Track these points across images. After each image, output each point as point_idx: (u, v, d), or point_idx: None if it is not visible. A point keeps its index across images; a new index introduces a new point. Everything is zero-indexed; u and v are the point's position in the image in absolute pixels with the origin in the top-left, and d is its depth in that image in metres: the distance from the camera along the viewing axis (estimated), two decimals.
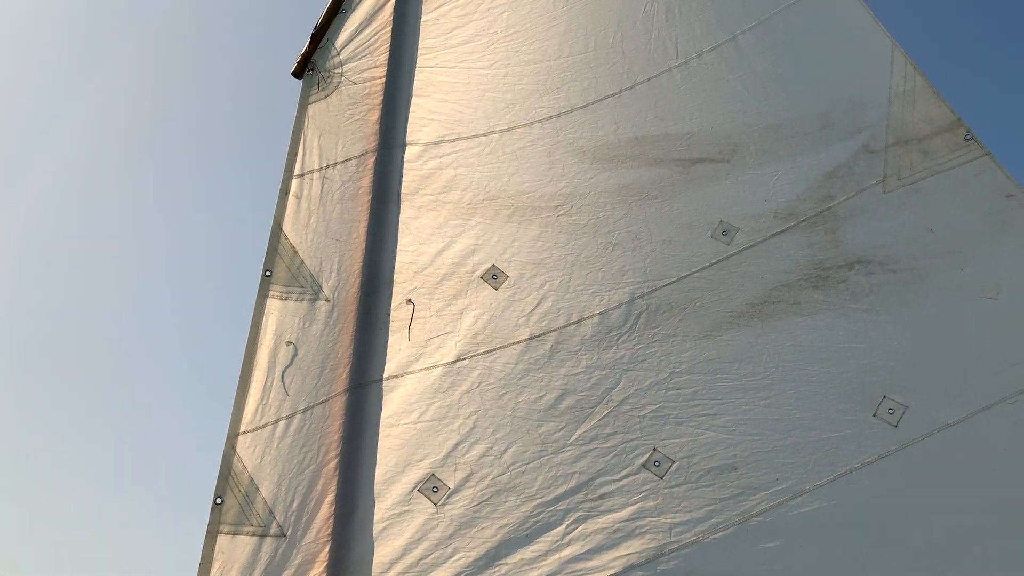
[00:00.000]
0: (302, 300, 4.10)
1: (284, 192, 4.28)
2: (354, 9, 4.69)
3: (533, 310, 4.04)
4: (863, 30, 4.08)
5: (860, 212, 3.79)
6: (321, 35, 4.59)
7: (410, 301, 4.14)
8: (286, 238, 4.19)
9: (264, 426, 3.79)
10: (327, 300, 4.11)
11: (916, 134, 3.81)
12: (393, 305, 4.13)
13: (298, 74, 4.57)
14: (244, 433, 3.77)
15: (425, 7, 4.80)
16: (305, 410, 3.85)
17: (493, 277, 4.15)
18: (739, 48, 4.36)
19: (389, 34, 4.68)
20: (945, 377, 3.40)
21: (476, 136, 4.52)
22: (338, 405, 3.89)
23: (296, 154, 4.37)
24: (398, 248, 4.25)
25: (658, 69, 4.48)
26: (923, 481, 3.27)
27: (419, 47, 4.72)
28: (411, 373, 3.99)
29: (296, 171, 4.34)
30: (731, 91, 4.28)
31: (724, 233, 4.01)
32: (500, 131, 4.53)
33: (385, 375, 3.99)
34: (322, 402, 3.89)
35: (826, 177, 3.92)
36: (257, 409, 3.82)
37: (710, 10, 4.50)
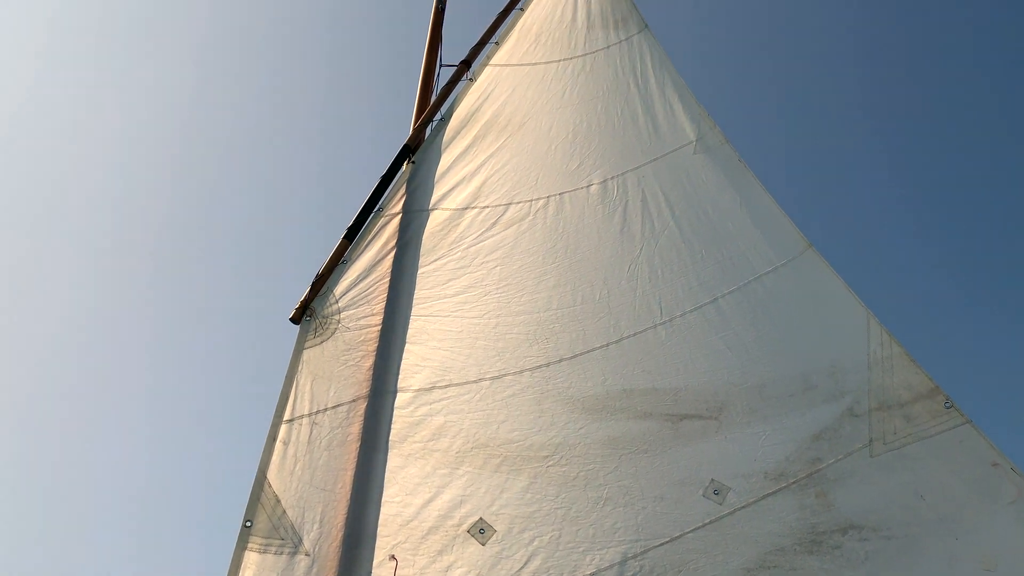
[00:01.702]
0: (281, 553, 3.91)
1: (272, 438, 4.24)
2: (355, 261, 4.94)
3: (522, 569, 3.88)
4: (838, 298, 4.35)
5: (849, 475, 3.80)
6: (322, 283, 4.80)
7: (393, 557, 3.97)
8: (270, 486, 4.09)
9: None
10: (307, 555, 3.92)
11: (897, 399, 3.93)
12: (376, 561, 3.95)
13: (296, 319, 4.70)
14: None
15: (422, 260, 5.06)
16: None
17: (480, 531, 4.02)
18: (720, 310, 4.59)
19: (387, 284, 4.90)
20: None
21: (467, 383, 4.59)
22: None
23: (288, 398, 4.39)
24: (384, 499, 4.15)
25: (643, 325, 4.68)
26: None
27: (415, 296, 4.92)
28: None
29: (286, 416, 4.33)
30: (715, 350, 4.44)
31: (716, 492, 3.98)
32: (491, 378, 4.61)
33: None
34: None
35: (813, 439, 3.98)
36: None
37: (691, 274, 4.79)
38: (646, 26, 6.31)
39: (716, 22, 17.20)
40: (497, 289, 4.98)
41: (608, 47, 6.20)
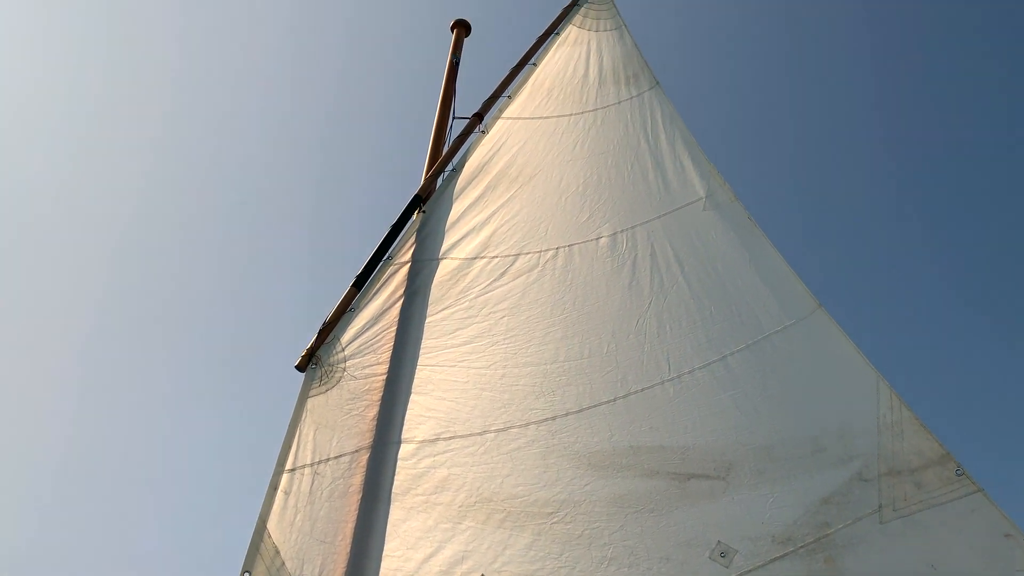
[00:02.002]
0: None
1: (273, 487, 4.20)
2: (362, 309, 4.94)
3: None
4: (848, 360, 4.31)
5: (859, 542, 3.73)
6: (328, 331, 4.79)
7: None
8: (269, 536, 4.03)
9: None
10: None
11: (907, 465, 3.87)
12: None
13: (302, 367, 4.69)
14: None
15: (430, 310, 5.06)
16: None
17: None
18: (729, 368, 4.56)
19: (394, 333, 4.89)
20: None
21: (472, 435, 4.54)
22: None
23: (290, 447, 4.35)
24: (384, 553, 4.08)
25: (651, 381, 4.64)
26: None
27: (422, 345, 4.91)
28: None
29: (288, 465, 4.29)
30: (723, 409, 4.40)
31: (723, 555, 3.90)
32: (496, 430, 4.56)
33: None
34: None
35: (822, 503, 3.91)
36: None
37: (700, 330, 4.77)
38: (657, 83, 6.40)
39: (726, 80, 17.47)
40: (504, 340, 4.96)
41: (619, 102, 6.28)
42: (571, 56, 6.67)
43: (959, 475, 3.77)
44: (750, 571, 3.83)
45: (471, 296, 5.16)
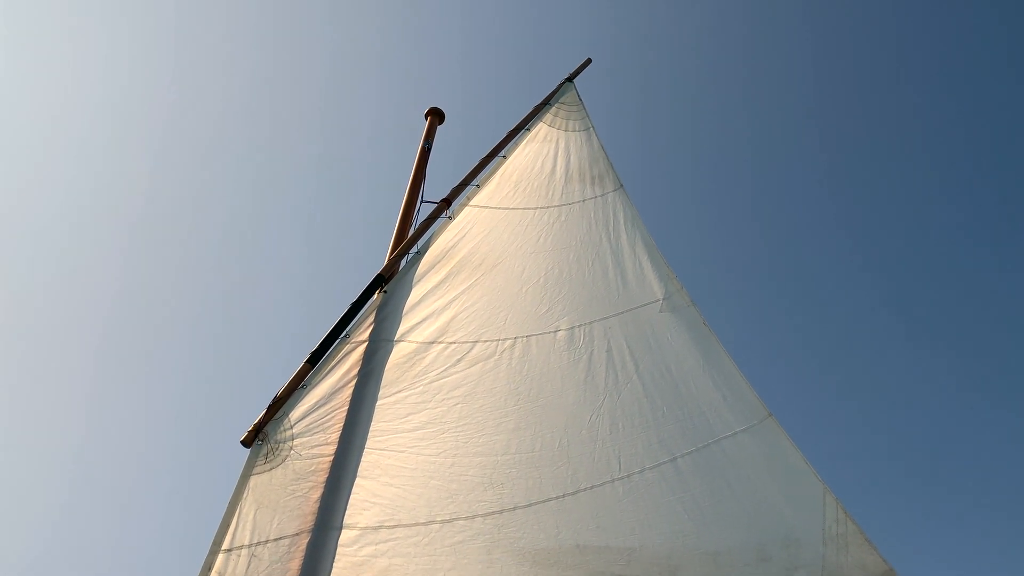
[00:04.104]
0: None
1: (207, 567, 4.01)
2: (315, 386, 4.85)
3: None
4: (796, 470, 4.37)
5: None
6: (278, 407, 4.68)
7: None
8: None
9: None
10: None
11: None
12: None
13: (247, 443, 4.55)
14: None
15: (383, 392, 5.00)
16: None
17: None
18: (679, 470, 4.58)
19: (345, 413, 4.80)
20: None
21: (416, 524, 4.43)
22: None
23: (228, 526, 4.18)
24: None
25: (601, 479, 4.62)
26: None
27: (372, 428, 4.82)
28: None
29: (224, 545, 4.11)
30: (671, 512, 4.39)
31: None
32: (441, 521, 4.46)
33: None
34: None
35: None
36: None
37: (651, 430, 4.80)
38: (621, 185, 6.62)
39: (688, 184, 18.13)
40: (456, 427, 4.91)
41: (584, 200, 6.46)
42: (540, 152, 6.88)
43: None
44: None
45: (426, 381, 5.12)
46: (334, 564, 4.20)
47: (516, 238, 6.03)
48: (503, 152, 6.79)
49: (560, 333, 5.42)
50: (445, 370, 5.19)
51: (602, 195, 6.48)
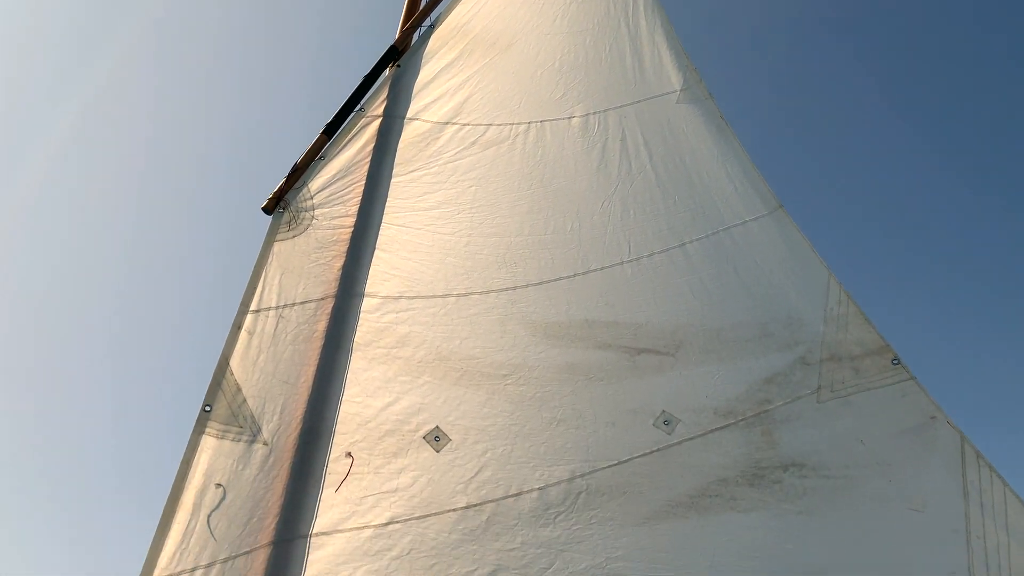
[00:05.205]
0: (239, 441, 3.89)
1: (237, 326, 4.17)
2: (333, 158, 4.83)
3: (473, 478, 3.99)
4: (802, 256, 4.56)
5: (796, 418, 4.06)
6: (299, 175, 4.68)
7: (349, 454, 4.01)
8: (232, 373, 4.04)
9: (180, 574, 3.46)
10: (265, 444, 3.92)
11: (848, 353, 4.20)
12: (332, 456, 3.98)
13: (269, 210, 4.59)
14: None
15: (399, 169, 5.00)
16: (226, 560, 3.55)
17: (436, 439, 4.10)
18: (687, 254, 4.75)
19: (362, 188, 4.82)
20: None
21: (434, 297, 4.61)
22: (260, 559, 3.62)
23: (255, 289, 4.31)
24: (344, 397, 4.16)
25: (611, 261, 4.79)
26: None
27: (389, 205, 4.87)
28: (341, 532, 3.79)
29: (253, 306, 4.26)
30: (678, 292, 4.60)
31: (666, 423, 4.17)
32: (457, 295, 4.64)
33: (314, 531, 3.77)
34: (245, 553, 3.60)
35: (764, 382, 4.21)
36: (175, 554, 3.50)
37: (662, 217, 4.92)
38: None
39: None
40: (471, 208, 4.98)
41: None
42: None
43: (895, 364, 4.14)
44: (691, 439, 4.12)
45: (441, 162, 5.12)
46: (358, 328, 4.40)
47: (532, 17, 5.80)
48: None
49: (575, 120, 5.37)
50: (459, 152, 5.17)
51: None
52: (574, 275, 4.77)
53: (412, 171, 5.01)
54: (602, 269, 4.78)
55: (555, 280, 4.75)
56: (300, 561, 3.68)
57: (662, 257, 4.78)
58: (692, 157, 5.15)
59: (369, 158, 4.93)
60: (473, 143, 5.20)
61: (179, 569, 3.48)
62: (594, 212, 5.00)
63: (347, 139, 4.91)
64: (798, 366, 4.23)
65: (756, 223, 4.78)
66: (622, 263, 4.79)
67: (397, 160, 5.01)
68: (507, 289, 4.70)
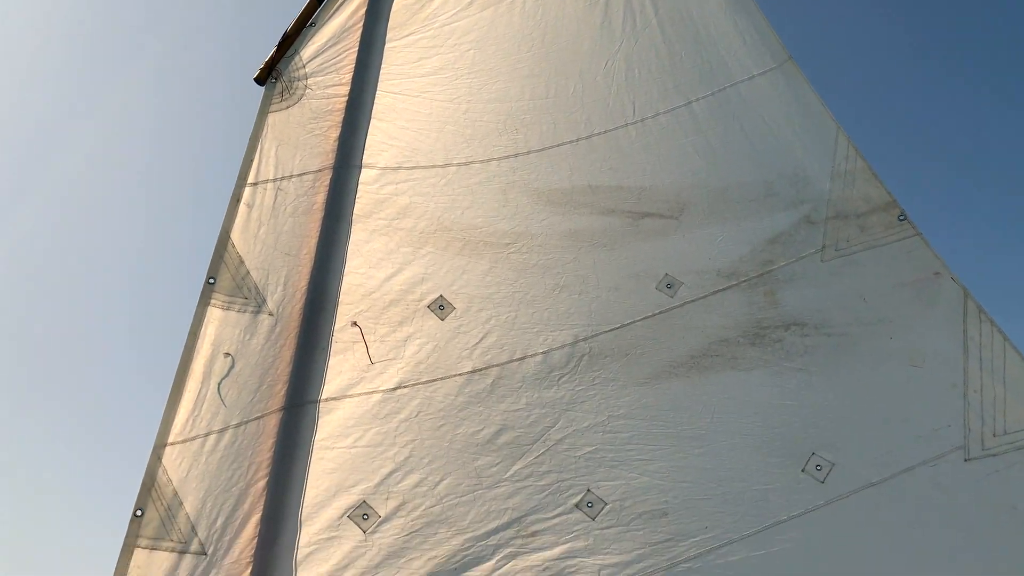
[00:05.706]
0: (244, 311, 3.96)
1: (236, 199, 4.16)
2: (324, 25, 4.66)
3: (477, 343, 4.05)
4: (810, 111, 4.39)
5: (799, 277, 4.02)
6: (289, 43, 4.54)
7: (355, 323, 4.08)
8: (233, 246, 4.06)
9: (193, 439, 3.61)
10: (270, 314, 3.99)
11: (854, 210, 4.11)
12: (337, 326, 4.06)
13: (261, 80, 4.48)
14: (172, 444, 3.58)
15: (393, 34, 4.82)
16: (238, 425, 3.70)
17: (440, 307, 4.14)
18: (693, 113, 4.59)
19: (355, 55, 4.67)
20: (871, 438, 3.62)
21: (434, 167, 4.54)
22: (272, 423, 3.76)
23: (252, 162, 4.27)
24: (347, 269, 4.19)
25: (615, 124, 4.65)
26: (846, 536, 3.45)
27: (383, 72, 4.73)
28: (350, 396, 3.91)
29: (250, 179, 4.23)
30: (683, 153, 4.49)
31: (669, 286, 4.16)
32: (458, 164, 4.57)
33: (323, 396, 3.89)
34: (256, 418, 3.74)
35: (768, 242, 4.15)
36: (188, 420, 3.64)
37: (668, 75, 4.73)
38: None
39: None
40: (469, 74, 4.83)
41: None
42: None
43: (901, 220, 4.04)
44: (693, 301, 4.12)
45: (436, 24, 4.92)
46: (356, 199, 4.38)
47: None
48: None
49: None
50: (455, 13, 4.96)
51: None
52: (577, 140, 4.65)
53: (407, 35, 4.83)
54: (605, 132, 4.65)
55: (557, 146, 4.64)
56: (311, 425, 3.81)
57: (667, 118, 4.63)
58: (700, 10, 4.89)
59: (362, 23, 4.74)
60: (470, 3, 4.98)
61: (193, 434, 3.63)
62: (597, 73, 4.82)
63: (338, 3, 4.71)
64: (803, 225, 4.15)
65: (764, 77, 4.58)
66: (626, 125, 4.66)
67: (390, 24, 4.82)
68: (508, 157, 4.62)
